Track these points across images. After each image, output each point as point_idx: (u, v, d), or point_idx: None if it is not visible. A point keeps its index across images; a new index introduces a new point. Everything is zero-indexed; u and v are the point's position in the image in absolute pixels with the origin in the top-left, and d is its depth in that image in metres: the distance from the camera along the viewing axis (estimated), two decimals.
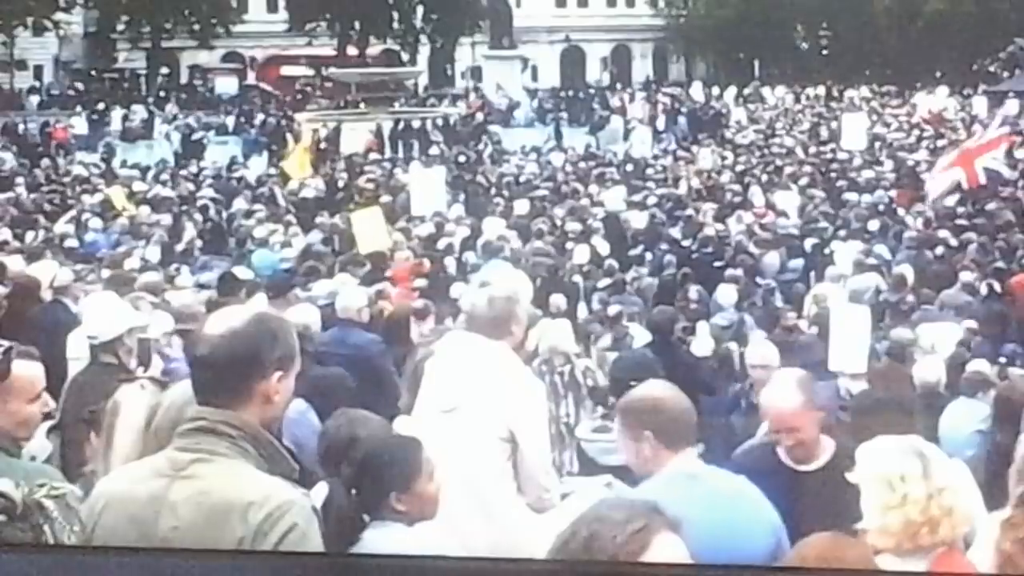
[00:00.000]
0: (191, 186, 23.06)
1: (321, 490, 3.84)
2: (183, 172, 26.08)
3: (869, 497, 3.60)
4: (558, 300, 11.19)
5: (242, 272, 12.07)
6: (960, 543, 3.69)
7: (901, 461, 3.62)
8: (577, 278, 13.65)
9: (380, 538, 3.61)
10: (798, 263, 14.65)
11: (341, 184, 23.32)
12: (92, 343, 6.13)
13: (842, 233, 15.89)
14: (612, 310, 10.73)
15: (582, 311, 12.56)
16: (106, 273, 11.41)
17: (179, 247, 15.74)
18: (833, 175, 23.10)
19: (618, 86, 51.57)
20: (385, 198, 19.83)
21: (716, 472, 3.93)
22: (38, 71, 52.73)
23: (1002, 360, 8.11)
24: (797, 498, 4.26)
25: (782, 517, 3.92)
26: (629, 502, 2.80)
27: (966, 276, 12.49)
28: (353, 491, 3.65)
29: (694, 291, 12.07)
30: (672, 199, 20.29)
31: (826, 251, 14.79)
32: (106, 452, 3.79)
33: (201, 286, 11.28)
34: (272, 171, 26.29)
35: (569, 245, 15.26)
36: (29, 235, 16.56)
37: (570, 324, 8.81)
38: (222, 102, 45.06)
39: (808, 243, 15.62)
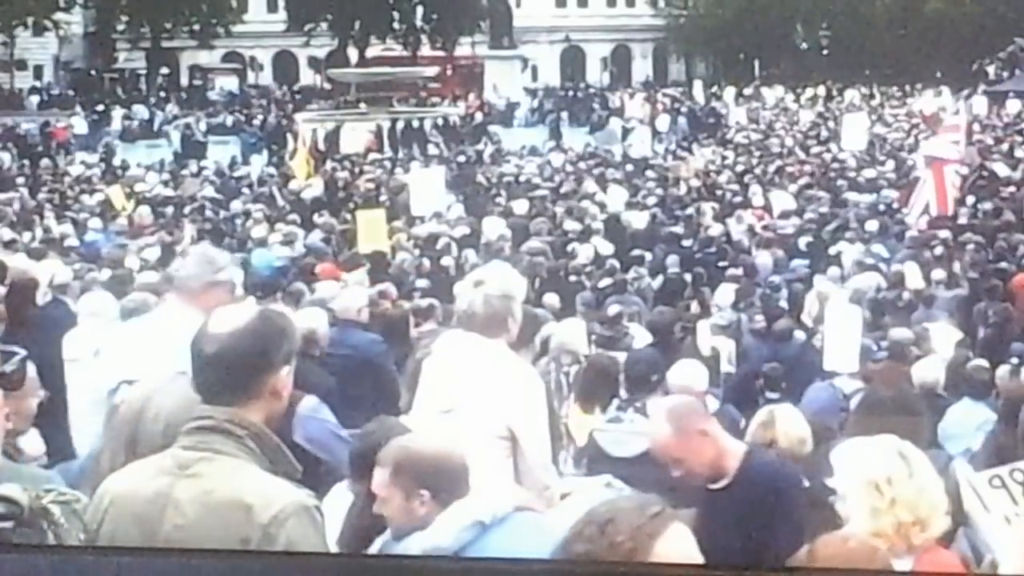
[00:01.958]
0: (195, 186, 23.09)
1: (340, 493, 3.83)
2: (184, 171, 26.12)
3: (855, 501, 3.57)
4: (553, 299, 11.19)
5: (238, 272, 12.06)
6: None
7: (886, 463, 3.60)
8: (575, 278, 13.64)
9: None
10: (798, 263, 14.64)
11: (341, 184, 23.32)
12: None
13: (843, 233, 15.87)
14: (612, 310, 10.70)
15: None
16: (106, 273, 11.39)
17: (179, 247, 15.72)
18: (833, 175, 23.10)
19: (619, 87, 51.62)
20: (384, 198, 19.85)
21: (495, 510, 3.64)
22: (38, 71, 52.76)
23: (1013, 360, 8.10)
24: (714, 516, 4.10)
25: (707, 537, 3.84)
26: (637, 495, 2.81)
27: (938, 274, 12.55)
28: None
29: (720, 307, 11.90)
30: (672, 199, 20.29)
31: (830, 251, 14.79)
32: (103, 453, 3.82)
33: None
34: (272, 171, 26.31)
35: (570, 246, 15.26)
36: (28, 235, 16.55)
37: (583, 324, 8.84)
38: (224, 102, 45.10)
39: (808, 243, 15.61)
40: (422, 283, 12.07)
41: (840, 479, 3.63)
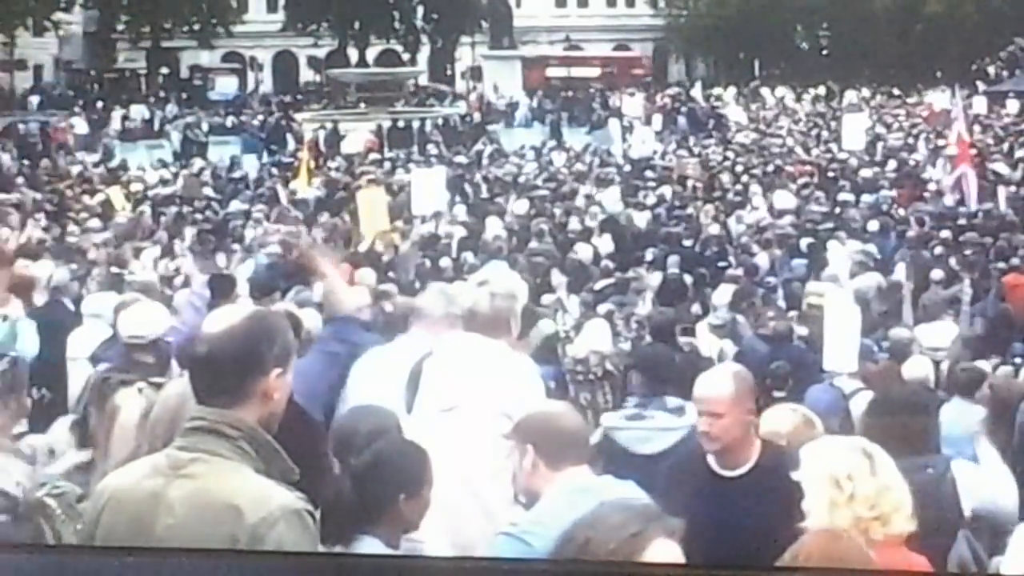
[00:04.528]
0: (195, 186, 23.08)
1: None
2: (185, 171, 26.13)
3: (815, 496, 3.63)
4: (550, 298, 11.20)
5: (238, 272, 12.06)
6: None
7: (847, 460, 3.68)
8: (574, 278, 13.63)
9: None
10: (798, 263, 14.63)
11: (341, 185, 23.31)
12: (135, 343, 6.18)
13: (842, 233, 15.88)
14: (602, 309, 10.69)
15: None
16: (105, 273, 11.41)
17: (179, 247, 15.71)
18: (833, 175, 23.11)
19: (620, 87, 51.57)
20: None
21: (607, 483, 3.89)
22: (38, 71, 52.70)
23: (1017, 360, 8.11)
24: (724, 503, 4.32)
25: (712, 522, 3.98)
26: (627, 505, 2.81)
27: (936, 274, 12.57)
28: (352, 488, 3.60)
29: (717, 307, 11.83)
30: (673, 199, 20.30)
31: (825, 251, 14.78)
32: (104, 453, 3.82)
33: None
34: (274, 171, 26.30)
35: (576, 246, 15.25)
36: (28, 235, 16.51)
37: (608, 325, 8.86)
38: (225, 102, 45.11)
39: (807, 243, 15.60)
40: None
41: (804, 473, 3.71)
